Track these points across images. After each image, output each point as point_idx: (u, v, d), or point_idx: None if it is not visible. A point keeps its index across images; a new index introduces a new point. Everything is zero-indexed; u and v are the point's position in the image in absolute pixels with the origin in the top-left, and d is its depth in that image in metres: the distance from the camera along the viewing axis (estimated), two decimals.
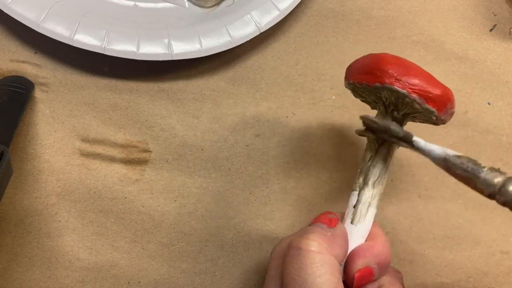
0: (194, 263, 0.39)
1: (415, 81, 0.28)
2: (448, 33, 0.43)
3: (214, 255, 0.39)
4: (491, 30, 0.43)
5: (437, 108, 0.29)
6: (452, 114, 0.31)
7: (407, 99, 0.29)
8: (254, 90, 0.41)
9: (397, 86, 0.28)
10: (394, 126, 0.29)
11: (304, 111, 0.41)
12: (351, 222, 0.30)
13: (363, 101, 0.33)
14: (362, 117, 0.31)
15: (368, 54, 0.31)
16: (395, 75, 0.28)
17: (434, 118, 0.30)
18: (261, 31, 0.39)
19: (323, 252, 0.27)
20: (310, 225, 0.30)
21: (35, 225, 0.39)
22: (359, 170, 0.31)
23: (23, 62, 0.40)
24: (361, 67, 0.30)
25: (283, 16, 0.39)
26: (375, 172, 0.31)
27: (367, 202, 0.30)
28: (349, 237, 0.30)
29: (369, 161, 0.31)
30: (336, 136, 0.41)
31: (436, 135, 0.41)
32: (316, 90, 0.41)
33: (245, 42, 0.39)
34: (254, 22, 0.39)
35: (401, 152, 0.41)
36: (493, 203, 0.41)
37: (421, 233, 0.40)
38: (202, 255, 0.39)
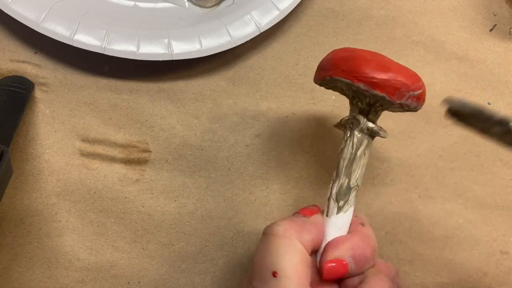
0: (194, 263, 0.39)
1: (359, 69, 0.28)
2: (448, 33, 0.43)
3: (214, 255, 0.39)
4: (491, 30, 0.43)
5: (386, 92, 0.28)
6: (418, 97, 0.29)
7: (353, 88, 0.29)
8: (254, 90, 0.41)
9: (341, 77, 0.29)
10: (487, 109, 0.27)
11: (304, 111, 0.41)
12: (326, 215, 0.30)
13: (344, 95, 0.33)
14: (447, 100, 0.28)
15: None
16: (341, 67, 0.29)
17: (397, 104, 0.29)
18: (261, 31, 0.39)
19: (287, 236, 0.28)
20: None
21: (35, 225, 0.39)
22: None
23: (23, 62, 0.40)
24: (320, 65, 0.31)
25: (283, 16, 0.39)
26: (344, 164, 0.31)
27: (337, 194, 0.30)
28: (326, 230, 0.30)
29: (340, 153, 0.31)
30: (336, 136, 0.41)
31: (436, 135, 0.41)
32: (316, 90, 0.41)
33: (245, 42, 0.39)
34: (254, 22, 0.39)
35: (401, 152, 0.41)
36: (493, 203, 0.41)
37: (421, 233, 0.40)
38: (202, 255, 0.39)
